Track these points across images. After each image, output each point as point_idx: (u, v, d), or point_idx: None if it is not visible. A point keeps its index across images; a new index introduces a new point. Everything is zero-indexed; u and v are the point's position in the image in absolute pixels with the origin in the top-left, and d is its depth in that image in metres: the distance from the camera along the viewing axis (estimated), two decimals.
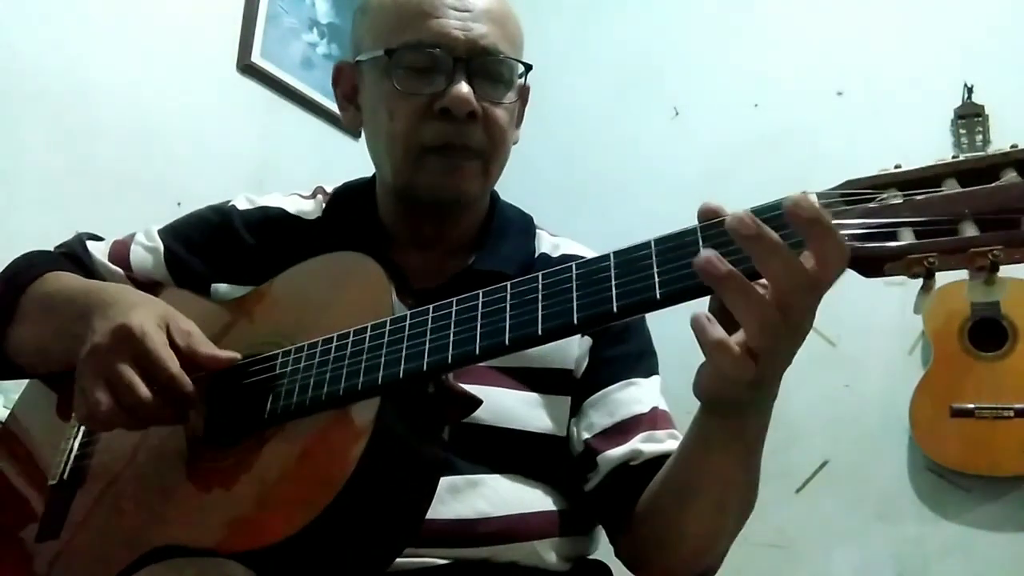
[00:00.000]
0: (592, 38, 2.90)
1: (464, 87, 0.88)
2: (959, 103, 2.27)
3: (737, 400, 0.68)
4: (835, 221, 0.58)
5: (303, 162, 2.33)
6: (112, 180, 1.84)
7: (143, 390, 0.75)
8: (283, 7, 2.31)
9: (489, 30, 0.90)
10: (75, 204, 1.75)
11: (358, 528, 0.69)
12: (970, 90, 2.28)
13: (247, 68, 2.21)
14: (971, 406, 2.10)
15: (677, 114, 2.75)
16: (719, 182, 2.44)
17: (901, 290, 2.04)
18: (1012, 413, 2.06)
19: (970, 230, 0.57)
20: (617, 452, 0.90)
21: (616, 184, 2.64)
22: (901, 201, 0.60)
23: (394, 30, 0.91)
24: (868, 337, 2.34)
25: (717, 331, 0.60)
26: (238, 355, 0.80)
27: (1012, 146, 0.60)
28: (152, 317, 0.79)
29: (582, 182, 2.72)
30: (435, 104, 0.89)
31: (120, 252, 1.03)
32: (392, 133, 0.91)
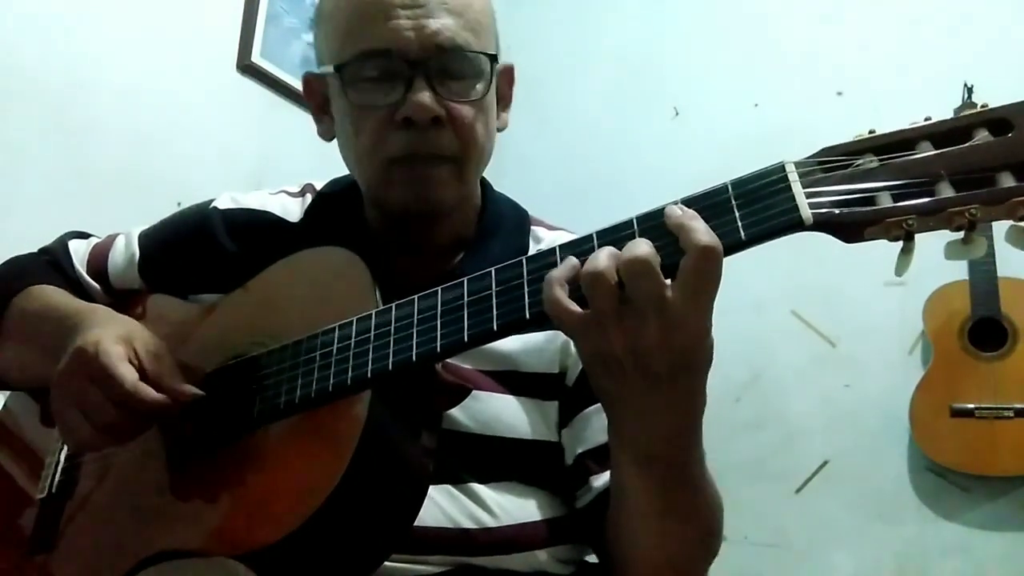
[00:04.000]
0: (592, 38, 2.89)
1: (423, 94, 0.81)
2: (959, 103, 2.26)
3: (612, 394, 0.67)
4: (813, 188, 0.60)
5: (303, 162, 2.30)
6: (112, 180, 1.84)
7: (108, 408, 0.74)
8: (283, 7, 2.31)
9: (446, 23, 0.83)
10: (75, 204, 1.75)
11: (354, 522, 0.69)
12: (970, 90, 2.27)
13: (247, 68, 2.20)
14: (971, 406, 2.10)
15: (677, 114, 2.75)
16: (719, 182, 2.43)
17: (901, 290, 2.05)
18: (1012, 413, 2.06)
19: (946, 190, 0.58)
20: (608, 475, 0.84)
21: (616, 184, 2.63)
22: (877, 165, 0.61)
23: (344, 40, 0.85)
24: (868, 337, 2.32)
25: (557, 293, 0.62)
26: (200, 392, 0.79)
27: (983, 106, 0.60)
28: (111, 335, 0.78)
29: (582, 182, 2.71)
30: (396, 114, 0.83)
31: (98, 261, 1.02)
32: (359, 148, 0.87)
